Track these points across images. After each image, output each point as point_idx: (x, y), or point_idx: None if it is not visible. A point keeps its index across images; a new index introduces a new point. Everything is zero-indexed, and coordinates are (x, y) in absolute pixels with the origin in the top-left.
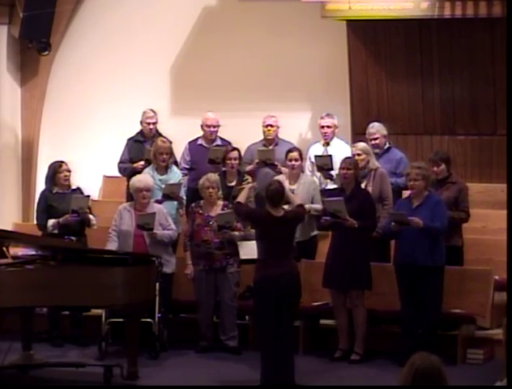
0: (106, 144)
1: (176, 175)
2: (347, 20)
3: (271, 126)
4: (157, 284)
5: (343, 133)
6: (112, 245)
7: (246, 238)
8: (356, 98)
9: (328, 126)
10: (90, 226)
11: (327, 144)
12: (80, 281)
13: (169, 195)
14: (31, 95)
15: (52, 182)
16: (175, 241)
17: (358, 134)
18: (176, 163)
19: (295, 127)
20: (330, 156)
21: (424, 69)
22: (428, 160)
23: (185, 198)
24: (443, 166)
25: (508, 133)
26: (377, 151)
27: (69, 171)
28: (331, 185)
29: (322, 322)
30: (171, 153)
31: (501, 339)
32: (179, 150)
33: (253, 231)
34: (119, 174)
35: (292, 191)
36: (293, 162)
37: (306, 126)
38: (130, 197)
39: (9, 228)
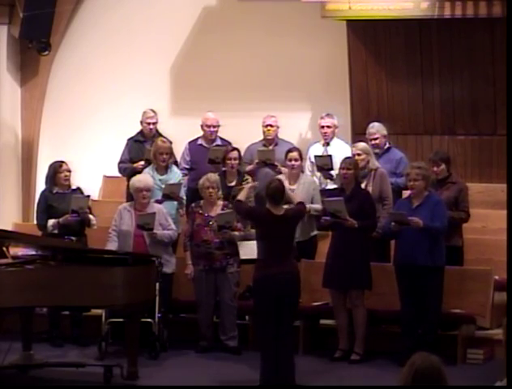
0: (106, 144)
1: (176, 175)
2: (347, 20)
3: (271, 126)
4: (157, 284)
5: (343, 133)
6: (112, 245)
7: (246, 238)
8: (356, 98)
9: (328, 126)
10: (90, 226)
11: (327, 144)
12: (80, 281)
13: (169, 195)
14: (31, 95)
15: (52, 182)
16: (175, 241)
17: (358, 134)
18: (176, 163)
19: (295, 127)
20: (330, 156)
21: (424, 69)
22: (428, 160)
23: (185, 198)
24: (443, 166)
25: (508, 133)
26: (377, 151)
27: (69, 171)
28: (331, 185)
29: (322, 322)
30: (171, 153)
31: (501, 339)
32: (179, 150)
33: (253, 231)
34: (119, 174)
35: (292, 191)
36: (293, 162)
37: (306, 126)
38: (130, 197)
39: (9, 228)
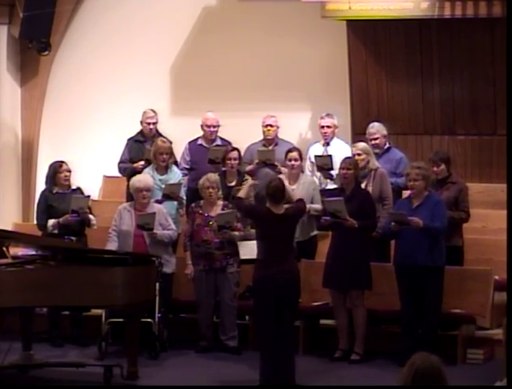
0: (106, 144)
1: (176, 175)
2: (347, 20)
3: (271, 125)
4: (157, 284)
5: (343, 133)
6: (112, 245)
7: (246, 238)
8: (356, 98)
9: (328, 126)
10: (90, 226)
11: (327, 144)
12: (80, 281)
13: (169, 195)
14: (31, 95)
15: (52, 182)
16: (175, 241)
17: (358, 134)
18: (176, 163)
19: (295, 127)
20: (330, 156)
21: (424, 69)
22: (428, 160)
23: (185, 198)
24: (443, 166)
25: (508, 133)
26: (377, 151)
27: (69, 171)
28: (331, 185)
29: (322, 322)
30: (171, 153)
31: (501, 339)
32: (179, 150)
33: (253, 231)
34: (119, 174)
35: (292, 191)
36: (293, 162)
37: (306, 126)
38: (130, 197)
39: (9, 228)
